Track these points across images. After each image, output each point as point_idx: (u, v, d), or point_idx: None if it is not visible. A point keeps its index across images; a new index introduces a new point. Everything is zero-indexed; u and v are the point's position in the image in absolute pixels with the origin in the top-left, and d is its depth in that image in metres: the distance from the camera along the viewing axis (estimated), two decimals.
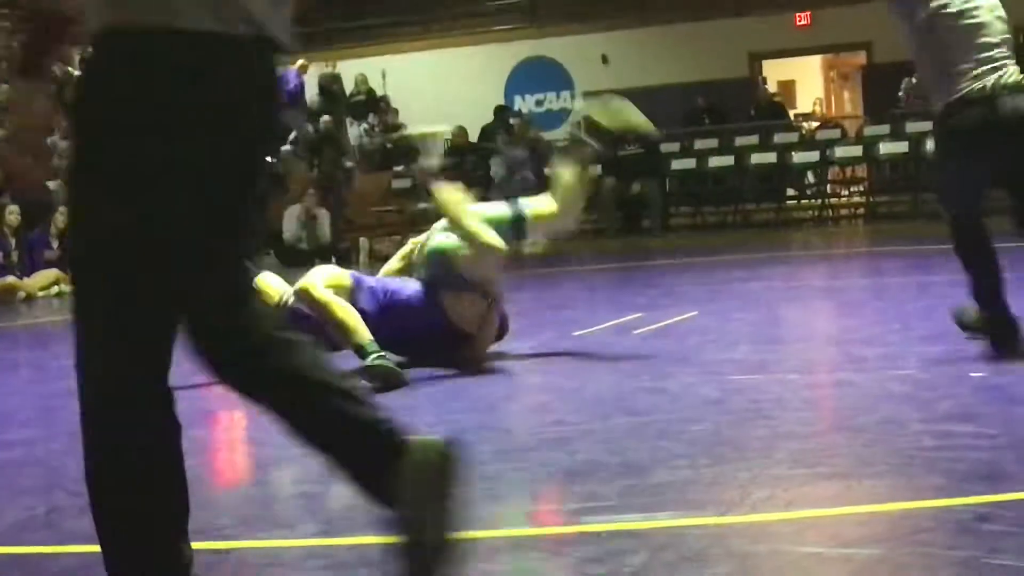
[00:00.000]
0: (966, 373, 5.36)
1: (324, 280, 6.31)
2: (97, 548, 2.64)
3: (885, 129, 17.52)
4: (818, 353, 6.62)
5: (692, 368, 5.97)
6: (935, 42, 5.59)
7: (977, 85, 5.46)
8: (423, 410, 5.45)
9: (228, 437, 5.56)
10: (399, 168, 20.37)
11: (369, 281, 6.54)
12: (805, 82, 24.96)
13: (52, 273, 14.02)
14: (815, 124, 20.11)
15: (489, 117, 20.62)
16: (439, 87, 22.78)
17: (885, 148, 16.87)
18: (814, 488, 3.76)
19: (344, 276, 6.45)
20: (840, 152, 17.50)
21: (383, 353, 6.00)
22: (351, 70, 23.10)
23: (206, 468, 4.83)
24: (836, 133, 18.60)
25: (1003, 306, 5.53)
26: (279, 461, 4.61)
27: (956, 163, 5.62)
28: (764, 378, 5.58)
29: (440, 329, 6.46)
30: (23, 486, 4.46)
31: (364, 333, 6.05)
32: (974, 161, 5.53)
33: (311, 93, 23.06)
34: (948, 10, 5.58)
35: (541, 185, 17.17)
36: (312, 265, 11.46)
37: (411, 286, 6.60)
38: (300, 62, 21.12)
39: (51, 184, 15.91)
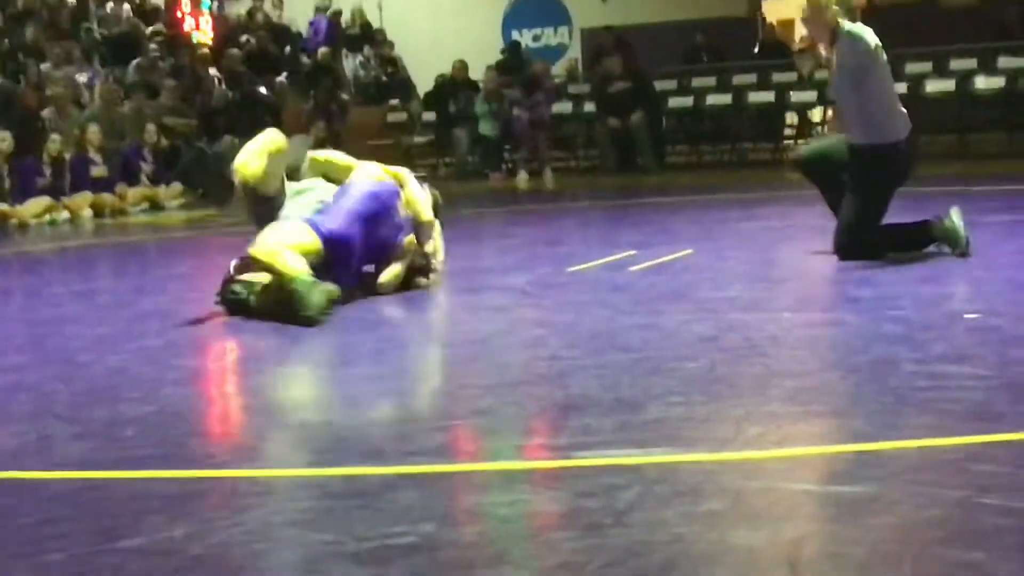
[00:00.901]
0: (960, 314, 5.35)
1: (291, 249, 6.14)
2: (88, 473, 2.64)
3: None
4: (813, 292, 6.61)
5: (687, 305, 5.96)
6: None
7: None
8: (413, 344, 5.45)
9: (220, 367, 5.54)
10: (394, 102, 20.27)
11: (326, 222, 6.36)
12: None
13: (44, 200, 13.94)
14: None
15: (484, 51, 20.40)
16: (436, 21, 22.65)
17: None
18: (807, 426, 3.77)
19: (308, 239, 6.27)
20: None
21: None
22: (347, 2, 22.94)
23: (199, 397, 4.83)
24: None
25: None
26: (272, 391, 4.61)
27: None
28: (758, 316, 5.57)
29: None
30: (14, 412, 4.45)
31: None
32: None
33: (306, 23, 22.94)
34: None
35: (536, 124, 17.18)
36: None
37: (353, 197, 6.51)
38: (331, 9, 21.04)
39: (44, 112, 15.80)
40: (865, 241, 6.98)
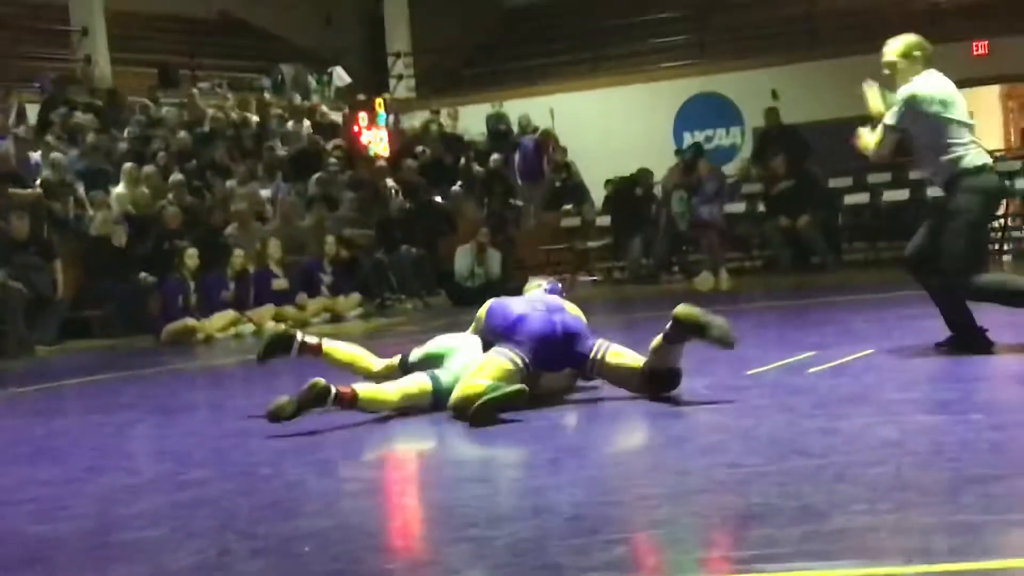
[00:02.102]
0: None
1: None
2: None
3: None
4: (1002, 393, 6.38)
5: (869, 408, 5.80)
6: None
7: None
8: (592, 451, 5.38)
9: (398, 478, 5.55)
10: (568, 206, 20.40)
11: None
12: (981, 113, 24.33)
13: (229, 314, 14.30)
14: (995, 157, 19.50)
15: (655, 153, 20.41)
16: (607, 124, 22.78)
17: None
18: (1005, 537, 3.59)
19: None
20: (1021, 184, 16.99)
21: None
22: (518, 109, 23.26)
23: (376, 511, 4.83)
24: (1016, 165, 18.07)
25: None
26: (449, 503, 4.58)
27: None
28: (945, 419, 5.39)
29: None
30: (196, 528, 4.49)
31: None
32: None
33: (479, 132, 23.29)
34: None
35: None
36: (482, 303, 11.53)
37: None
38: (541, 129, 21.33)
39: (228, 228, 16.24)
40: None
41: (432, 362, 6.65)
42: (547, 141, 21.63)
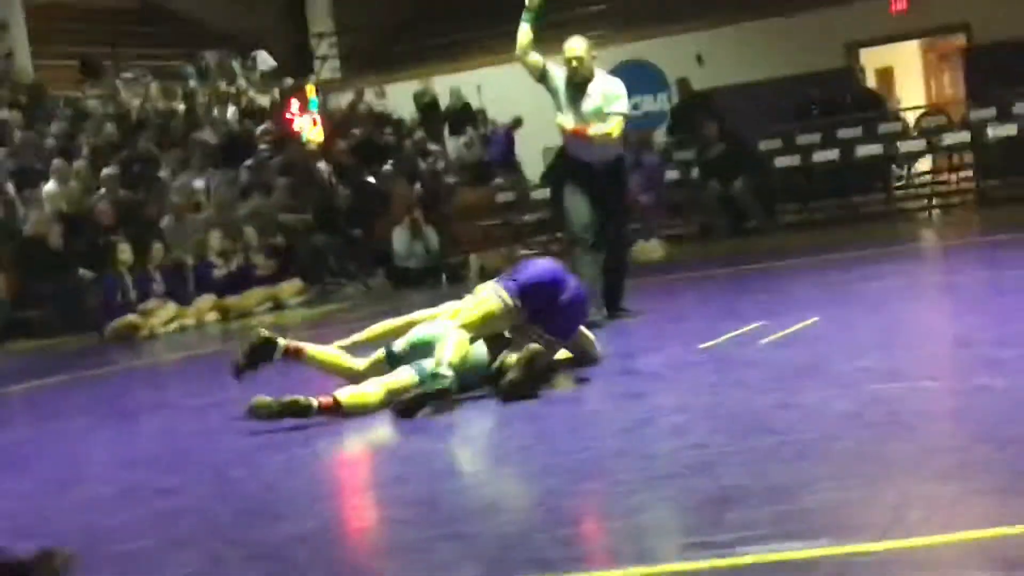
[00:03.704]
0: None
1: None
2: None
3: (991, 112, 17.28)
4: (951, 357, 6.56)
5: (824, 379, 5.96)
6: None
7: None
8: (560, 438, 5.50)
9: (369, 477, 5.64)
10: (499, 180, 20.49)
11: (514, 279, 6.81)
12: (904, 68, 24.66)
13: (171, 308, 14.27)
14: (919, 112, 19.80)
15: None
16: (536, 98, 22.78)
17: (992, 132, 16.63)
18: (970, 506, 3.74)
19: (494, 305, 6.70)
20: (947, 139, 17.31)
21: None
22: (446, 85, 23.27)
23: (358, 512, 4.92)
24: (942, 120, 18.39)
25: None
26: (426, 501, 4.67)
27: None
28: (900, 387, 5.56)
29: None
30: (182, 537, 4.56)
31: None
32: None
33: (409, 110, 23.30)
34: None
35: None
36: (423, 284, 11.83)
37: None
38: (514, 116, 21.26)
39: (164, 221, 16.19)
40: None
41: (419, 351, 6.68)
42: (515, 128, 21.65)
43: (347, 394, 6.45)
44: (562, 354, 7.10)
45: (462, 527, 4.19)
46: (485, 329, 6.70)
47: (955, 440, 4.55)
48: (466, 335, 6.54)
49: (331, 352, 6.99)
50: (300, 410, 6.28)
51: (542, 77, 9.11)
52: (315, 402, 6.30)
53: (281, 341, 6.80)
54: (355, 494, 5.19)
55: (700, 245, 16.62)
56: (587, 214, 9.08)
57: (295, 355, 6.84)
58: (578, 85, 8.98)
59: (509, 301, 6.62)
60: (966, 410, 5.07)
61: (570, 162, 9.44)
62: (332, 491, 5.08)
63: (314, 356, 6.93)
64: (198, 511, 4.95)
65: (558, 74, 9.05)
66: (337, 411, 6.36)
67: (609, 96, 8.98)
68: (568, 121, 9.02)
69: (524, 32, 8.95)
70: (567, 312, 6.79)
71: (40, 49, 22.31)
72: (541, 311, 6.68)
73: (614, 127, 8.93)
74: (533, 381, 6.46)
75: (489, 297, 6.70)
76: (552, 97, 9.15)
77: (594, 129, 8.94)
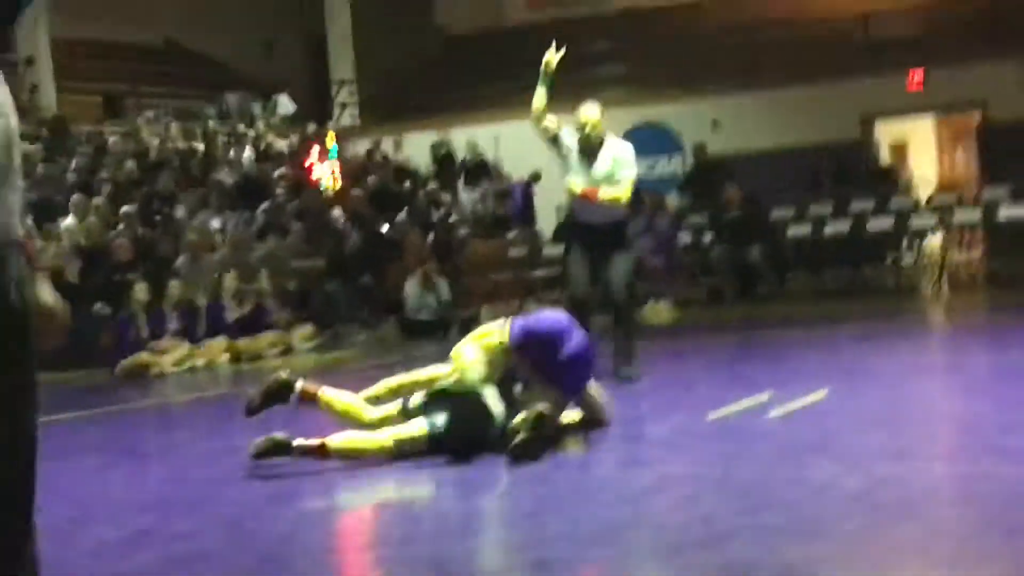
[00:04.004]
0: None
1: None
2: None
3: (1003, 192, 17.41)
4: (957, 440, 6.63)
5: (833, 456, 6.02)
6: None
7: None
8: (568, 504, 5.56)
9: (382, 530, 5.70)
10: (512, 234, 20.62)
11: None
12: (918, 144, 24.85)
13: (183, 348, 14.35)
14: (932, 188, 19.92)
15: None
16: (552, 155, 22.97)
17: (1004, 212, 16.75)
18: None
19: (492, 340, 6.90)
20: (958, 216, 17.44)
21: None
22: (463, 137, 23.45)
23: (372, 566, 4.97)
24: (953, 197, 18.52)
25: None
26: (443, 561, 4.73)
27: None
28: (907, 468, 5.63)
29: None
30: None
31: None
32: None
33: (425, 161, 23.47)
34: None
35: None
36: (433, 336, 12.00)
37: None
38: (533, 171, 21.33)
39: (179, 260, 16.31)
40: None
41: (432, 404, 6.76)
42: (534, 183, 21.79)
43: (340, 439, 6.56)
44: (571, 416, 7.18)
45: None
46: (482, 359, 6.82)
47: (962, 527, 4.62)
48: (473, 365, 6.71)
49: (346, 400, 7.08)
50: (282, 448, 6.42)
51: (554, 140, 9.34)
52: (297, 443, 6.44)
53: (298, 384, 6.93)
54: (366, 551, 5.25)
55: (710, 309, 16.70)
56: (585, 278, 9.43)
57: (311, 399, 6.96)
58: (590, 149, 9.23)
59: (506, 338, 6.76)
60: (972, 496, 5.14)
61: (575, 224, 9.76)
62: (345, 547, 5.14)
63: (329, 402, 7.03)
64: (210, 560, 5.01)
65: (570, 138, 9.27)
66: (324, 455, 6.46)
67: (620, 161, 9.24)
68: (578, 184, 9.26)
69: (539, 96, 9.19)
70: (570, 367, 6.87)
71: (64, 84, 22.58)
72: (542, 363, 6.79)
73: (624, 191, 9.20)
74: (542, 443, 6.53)
75: (493, 329, 6.86)
76: (562, 160, 9.39)
77: (603, 192, 9.19)
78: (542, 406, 6.64)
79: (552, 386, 6.79)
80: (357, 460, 6.55)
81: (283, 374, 7.01)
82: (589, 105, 9.36)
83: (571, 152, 9.28)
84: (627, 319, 9.55)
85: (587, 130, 9.19)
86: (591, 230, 9.39)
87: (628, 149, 9.33)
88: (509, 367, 6.87)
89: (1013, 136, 18.74)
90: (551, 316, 7.13)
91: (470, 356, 6.77)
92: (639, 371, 9.37)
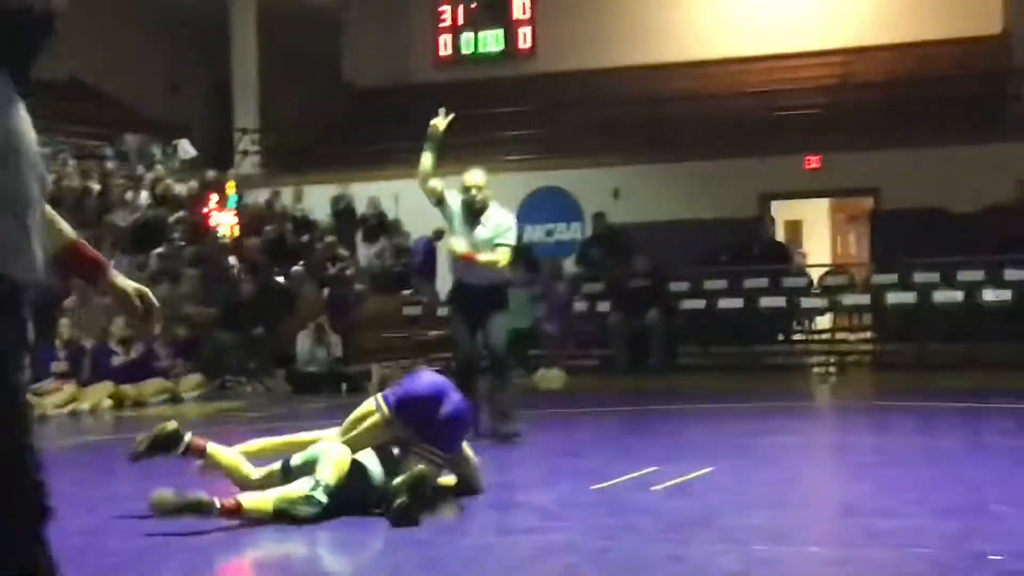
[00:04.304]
0: (985, 555, 5.45)
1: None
2: None
3: (892, 278, 17.74)
4: (836, 523, 6.70)
5: (713, 534, 6.06)
6: None
7: None
8: (450, 570, 5.53)
9: None
10: (406, 292, 20.60)
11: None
12: (813, 223, 25.30)
13: (65, 390, 14.11)
14: (824, 270, 20.21)
15: None
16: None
17: (893, 297, 17.08)
18: None
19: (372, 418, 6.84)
20: (848, 300, 17.75)
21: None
22: (365, 193, 23.40)
23: None
24: (844, 279, 18.83)
25: None
26: None
27: None
28: (785, 550, 5.67)
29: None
30: None
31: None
32: None
33: (325, 213, 23.38)
34: None
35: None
36: (323, 391, 11.91)
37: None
38: (435, 229, 21.32)
39: (67, 300, 16.07)
40: None
41: (312, 467, 6.70)
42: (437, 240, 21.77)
43: (248, 499, 6.47)
44: (447, 480, 7.16)
45: None
46: (366, 440, 6.83)
47: None
48: (347, 450, 6.65)
49: (231, 456, 7.00)
50: (203, 509, 6.29)
51: (439, 202, 9.67)
52: (218, 503, 6.31)
53: (187, 436, 6.84)
54: None
55: (600, 378, 16.78)
56: (468, 339, 9.73)
57: (197, 453, 6.87)
58: (474, 213, 9.55)
59: (386, 411, 6.78)
60: None
61: (457, 286, 10.02)
62: None
63: (214, 456, 6.94)
64: None
65: (454, 201, 9.59)
66: (238, 514, 6.37)
67: (501, 228, 9.59)
68: (460, 245, 9.54)
69: (426, 158, 9.58)
70: (447, 426, 6.90)
71: None
72: (421, 424, 6.80)
73: (503, 257, 9.56)
74: (422, 506, 6.50)
75: (369, 408, 6.85)
76: (447, 222, 9.72)
77: (484, 256, 9.50)
78: (421, 468, 6.62)
79: (430, 446, 6.79)
80: (256, 519, 6.46)
81: (171, 424, 6.92)
82: (475, 171, 9.72)
83: (455, 215, 9.59)
84: (503, 377, 9.80)
85: (472, 193, 9.51)
86: (471, 291, 9.70)
87: (510, 218, 9.74)
88: (391, 436, 6.86)
89: (903, 224, 19.13)
90: (429, 377, 7.16)
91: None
92: (518, 427, 9.59)
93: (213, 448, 6.93)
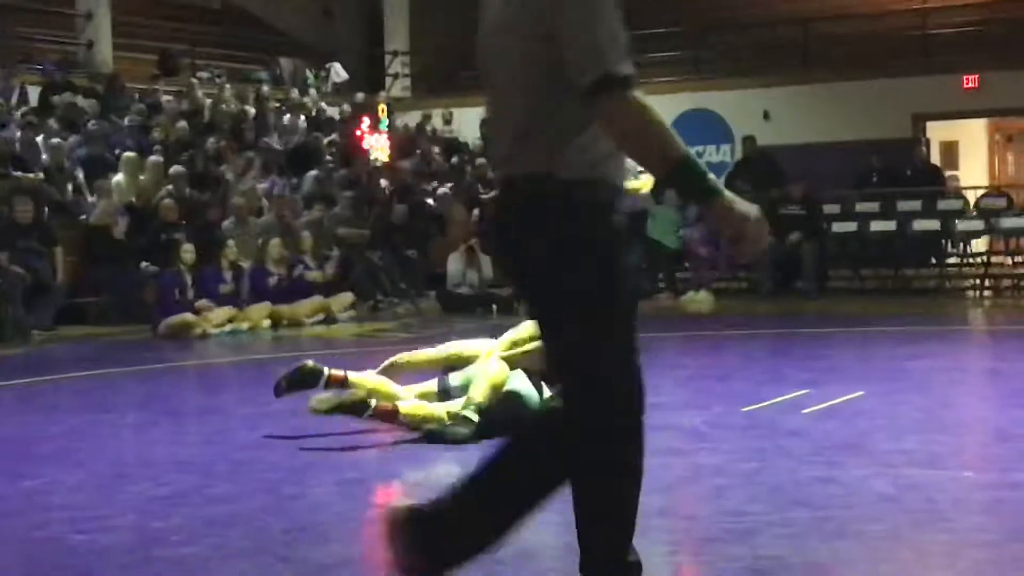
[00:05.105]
0: None
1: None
2: None
3: None
4: (990, 448, 6.67)
5: (864, 458, 6.08)
6: None
7: None
8: None
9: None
10: None
11: None
12: (968, 143, 24.73)
13: (226, 310, 14.49)
14: (980, 192, 19.76)
15: None
16: None
17: None
18: None
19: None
20: (1006, 223, 17.37)
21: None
22: None
23: None
24: (1002, 202, 18.42)
25: None
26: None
27: None
28: (938, 474, 5.68)
29: None
30: (232, 548, 4.74)
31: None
32: None
33: (475, 136, 23.53)
34: None
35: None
36: (474, 312, 12.02)
37: None
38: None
39: (225, 222, 16.45)
40: None
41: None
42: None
43: (405, 406, 6.66)
44: None
45: (501, 569, 4.35)
46: (525, 361, 6.86)
47: (988, 535, 4.67)
48: (504, 368, 6.73)
49: (375, 380, 7.09)
50: (357, 410, 6.52)
51: None
52: (373, 403, 6.53)
53: (326, 370, 6.95)
54: None
55: (748, 301, 16.72)
56: None
57: (338, 383, 6.99)
58: None
59: None
60: (1001, 505, 5.18)
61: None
62: (377, 518, 5.23)
63: (357, 383, 7.03)
64: (248, 524, 5.12)
65: None
66: (394, 418, 6.56)
67: None
68: None
69: None
70: None
71: (120, 41, 22.75)
72: None
73: (644, 183, 9.53)
74: None
75: (533, 331, 6.88)
76: None
77: (629, 183, 9.40)
78: None
79: None
80: (417, 427, 6.68)
81: (309, 363, 7.01)
82: None
83: None
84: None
85: None
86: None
87: None
88: None
89: None
90: None
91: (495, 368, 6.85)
92: None
93: (354, 376, 7.01)
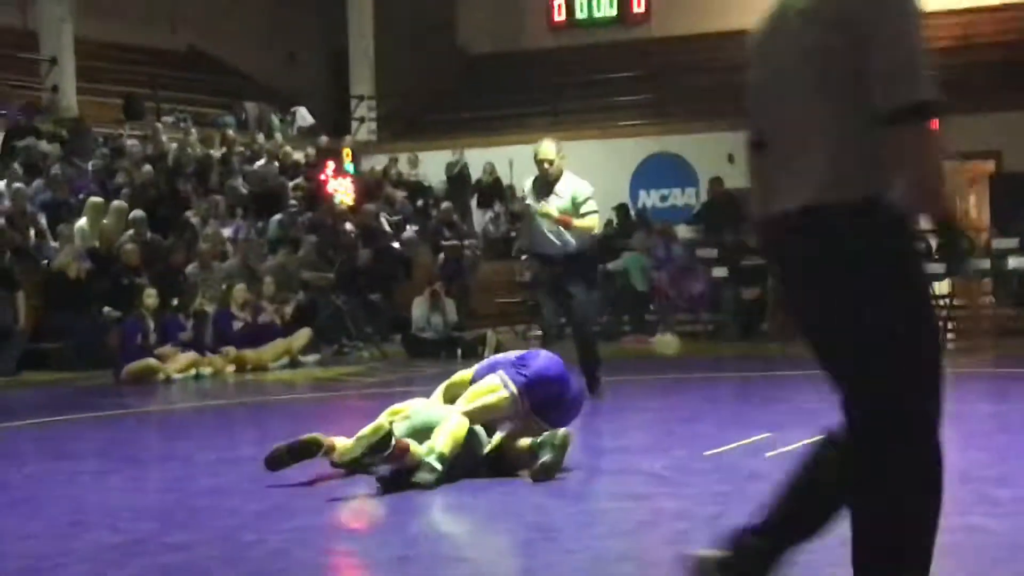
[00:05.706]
0: None
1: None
2: None
3: (1013, 242, 17.42)
4: (950, 490, 6.60)
5: None
6: None
7: None
8: (563, 534, 5.62)
9: (377, 553, 5.76)
10: (524, 257, 20.68)
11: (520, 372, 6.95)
12: None
13: (189, 355, 14.40)
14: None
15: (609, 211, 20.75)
16: None
17: (1013, 262, 16.79)
18: None
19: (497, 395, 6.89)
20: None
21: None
22: (479, 158, 23.54)
23: None
24: (963, 244, 18.46)
25: None
26: None
27: None
28: None
29: None
30: None
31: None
32: None
33: (440, 179, 23.57)
34: None
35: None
36: (438, 356, 11.94)
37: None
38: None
39: (190, 267, 16.38)
40: None
41: (419, 435, 6.78)
42: None
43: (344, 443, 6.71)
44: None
45: None
46: (487, 415, 6.89)
47: None
48: (466, 422, 6.71)
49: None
50: (313, 449, 6.61)
51: None
52: (325, 442, 6.69)
53: (323, 440, 6.88)
54: (360, 572, 5.31)
55: (713, 343, 16.74)
56: (552, 309, 10.03)
57: (331, 452, 6.94)
58: (547, 184, 9.80)
59: (515, 391, 6.80)
60: (960, 548, 5.18)
61: (534, 258, 10.37)
62: (338, 566, 5.20)
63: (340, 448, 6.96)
64: (205, 571, 5.08)
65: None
66: (404, 456, 6.55)
67: (578, 196, 9.80)
68: (553, 209, 9.75)
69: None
70: (572, 407, 7.03)
71: (85, 85, 22.72)
72: (547, 404, 6.88)
73: (592, 222, 9.93)
74: (561, 463, 6.66)
75: (496, 386, 6.86)
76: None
77: (577, 221, 9.73)
78: (564, 430, 6.75)
79: (542, 421, 6.88)
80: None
81: (310, 435, 6.90)
82: (546, 143, 9.94)
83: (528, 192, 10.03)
84: (586, 344, 9.98)
85: (544, 167, 9.77)
86: (550, 261, 9.90)
87: (585, 185, 9.92)
88: (512, 413, 6.91)
89: None
90: (552, 361, 7.09)
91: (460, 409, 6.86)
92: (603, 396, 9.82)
93: (339, 443, 6.90)
